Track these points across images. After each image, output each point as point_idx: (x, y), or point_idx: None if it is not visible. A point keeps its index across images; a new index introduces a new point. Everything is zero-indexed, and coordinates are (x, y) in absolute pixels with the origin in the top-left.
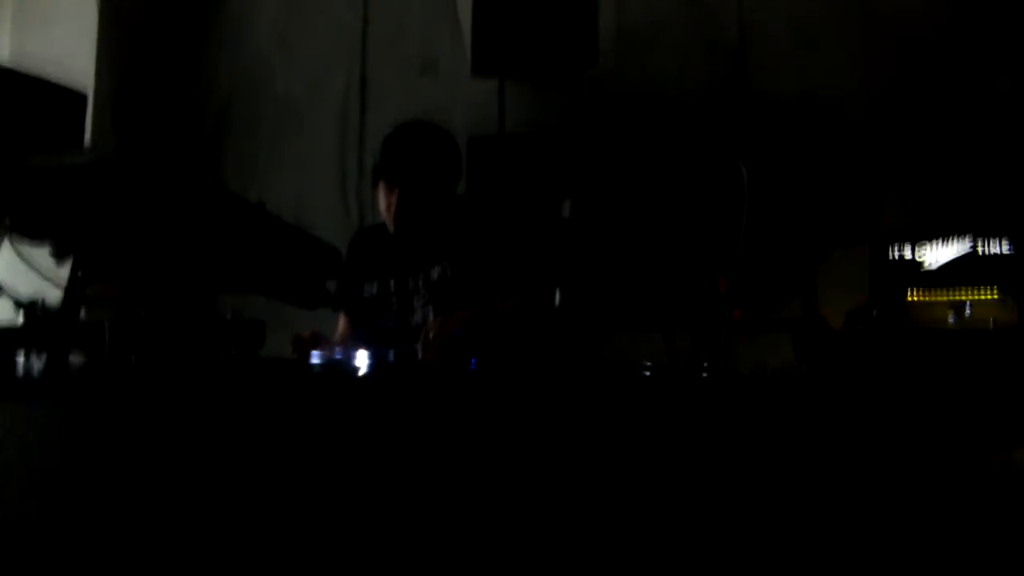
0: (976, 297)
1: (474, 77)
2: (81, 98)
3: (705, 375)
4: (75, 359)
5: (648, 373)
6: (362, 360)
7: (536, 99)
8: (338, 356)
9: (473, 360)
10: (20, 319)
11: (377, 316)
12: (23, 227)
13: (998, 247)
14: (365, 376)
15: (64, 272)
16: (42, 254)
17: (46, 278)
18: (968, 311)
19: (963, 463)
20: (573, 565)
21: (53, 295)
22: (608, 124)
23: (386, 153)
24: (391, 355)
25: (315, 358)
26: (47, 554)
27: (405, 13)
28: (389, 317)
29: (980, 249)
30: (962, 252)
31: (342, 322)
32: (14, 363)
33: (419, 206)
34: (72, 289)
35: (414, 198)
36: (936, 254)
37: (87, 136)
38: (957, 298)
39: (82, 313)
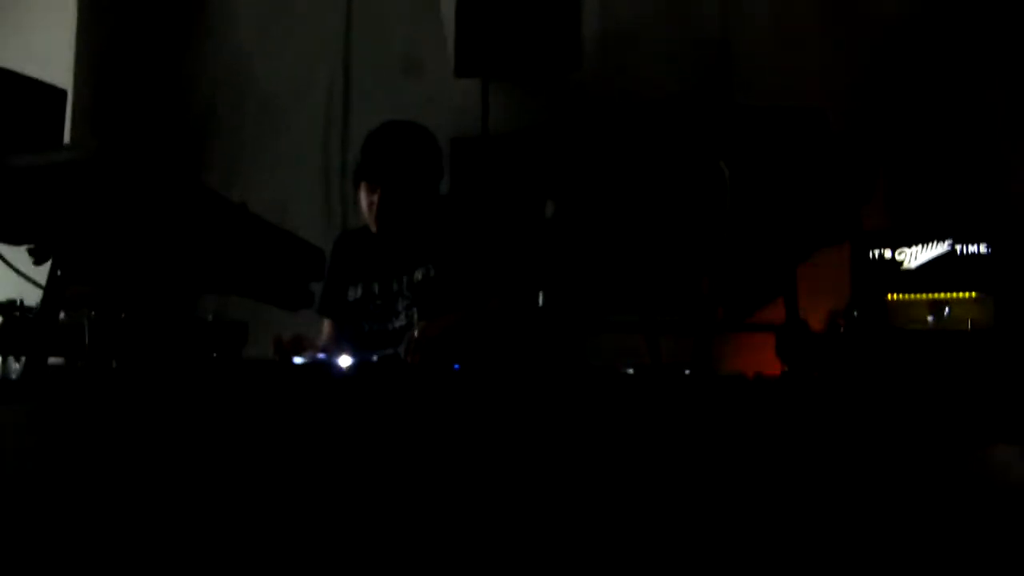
0: (955, 297)
1: (457, 78)
2: (60, 93)
3: (687, 375)
4: (54, 361)
5: (631, 372)
6: (344, 363)
7: (519, 100)
8: (321, 357)
9: (456, 365)
10: None
11: (361, 319)
12: (1, 228)
13: (976, 248)
14: (346, 377)
15: (43, 273)
16: (21, 254)
17: (25, 279)
18: (947, 311)
19: (942, 461)
20: (558, 562)
21: (32, 296)
22: (591, 125)
23: (367, 153)
24: (374, 358)
25: (296, 361)
26: (26, 556)
27: (388, 13)
28: (373, 320)
29: (959, 250)
30: (941, 253)
31: (326, 326)
32: None
33: (401, 205)
34: (51, 290)
35: (396, 197)
36: (915, 255)
37: (66, 133)
38: (936, 298)
39: (61, 315)
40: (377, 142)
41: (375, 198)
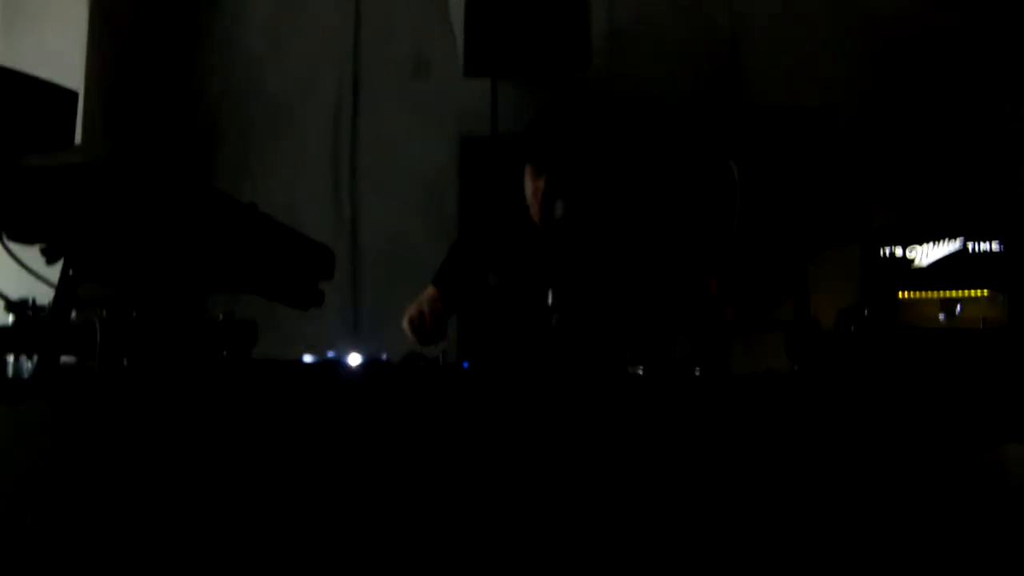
0: (966, 295)
1: (466, 77)
2: (71, 96)
3: (698, 375)
4: (66, 360)
5: (641, 371)
6: (353, 362)
7: (528, 99)
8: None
9: (466, 363)
10: (10, 320)
11: (504, 311)
12: (14, 227)
13: (988, 246)
14: (356, 377)
15: (55, 272)
16: (33, 254)
17: (37, 278)
18: (959, 309)
19: (954, 460)
20: (568, 561)
21: (44, 296)
22: (600, 124)
23: (535, 137)
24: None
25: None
26: (37, 556)
27: (397, 14)
28: (519, 313)
29: (970, 248)
30: (952, 251)
31: (429, 292)
32: (4, 365)
33: (564, 194)
34: (63, 290)
35: (562, 185)
36: (926, 253)
37: (77, 135)
38: (948, 296)
39: (73, 314)
40: (547, 126)
41: (540, 184)
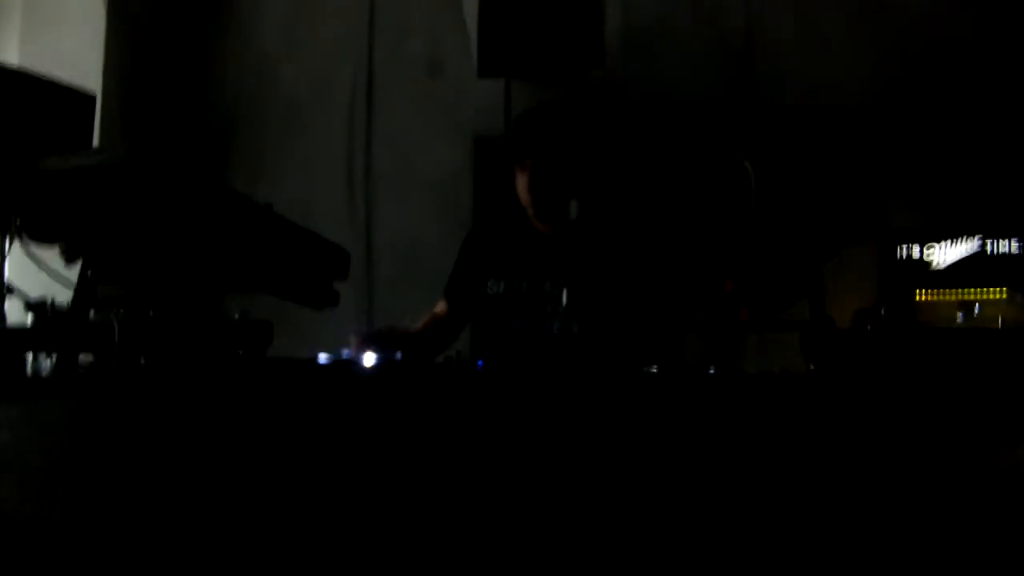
0: (985, 296)
1: (480, 77)
2: (90, 98)
3: (712, 374)
4: (84, 359)
5: (655, 372)
6: (368, 361)
7: (542, 99)
8: (345, 354)
9: (480, 361)
10: (30, 319)
11: (508, 317)
12: (33, 228)
13: (1007, 246)
14: (371, 376)
15: (73, 272)
16: (52, 254)
17: (56, 279)
18: (977, 310)
19: (970, 462)
20: (581, 563)
21: (63, 295)
22: (614, 124)
23: (515, 133)
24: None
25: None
26: (51, 553)
27: (411, 14)
28: (523, 320)
29: (989, 248)
30: (971, 251)
31: (440, 306)
32: (23, 363)
33: (555, 177)
34: (82, 289)
35: (548, 168)
36: (944, 253)
37: (95, 137)
38: (966, 297)
39: (91, 313)
40: (525, 119)
41: (525, 176)
